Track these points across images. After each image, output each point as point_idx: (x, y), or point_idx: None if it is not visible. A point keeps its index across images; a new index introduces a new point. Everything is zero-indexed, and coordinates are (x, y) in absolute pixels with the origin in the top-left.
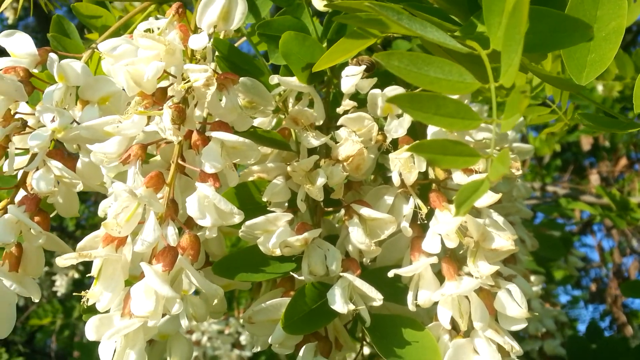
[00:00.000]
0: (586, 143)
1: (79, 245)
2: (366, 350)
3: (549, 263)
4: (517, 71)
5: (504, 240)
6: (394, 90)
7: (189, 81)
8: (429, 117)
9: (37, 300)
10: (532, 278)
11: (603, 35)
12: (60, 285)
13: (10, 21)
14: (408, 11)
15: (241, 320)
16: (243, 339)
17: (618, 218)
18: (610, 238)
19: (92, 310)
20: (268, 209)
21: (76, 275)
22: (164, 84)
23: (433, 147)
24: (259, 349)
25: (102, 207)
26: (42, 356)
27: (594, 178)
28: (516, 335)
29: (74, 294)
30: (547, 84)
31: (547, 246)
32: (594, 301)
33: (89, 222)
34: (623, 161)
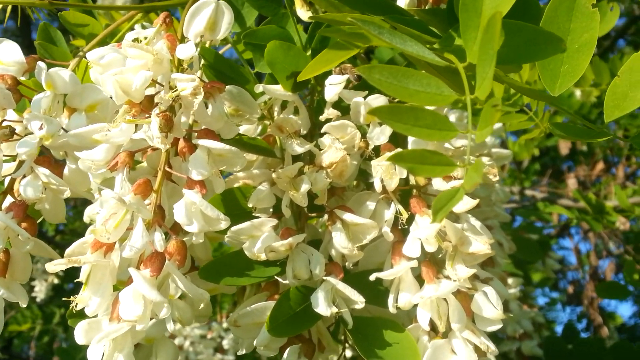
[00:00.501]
0: (564, 147)
1: (67, 251)
2: (348, 353)
3: (527, 266)
4: (491, 84)
5: (481, 245)
6: (375, 98)
7: (176, 90)
8: (409, 128)
9: (24, 306)
10: (510, 280)
11: (576, 47)
12: (40, 290)
13: None
14: (389, 23)
15: (224, 325)
16: (225, 343)
17: (594, 221)
18: (587, 241)
19: (77, 315)
20: (253, 214)
21: (56, 281)
22: (150, 91)
23: (412, 157)
24: (244, 352)
25: (88, 213)
26: None
27: (572, 182)
28: (494, 336)
29: (63, 299)
30: (523, 95)
31: (525, 249)
32: (571, 303)
33: (68, 227)
34: (600, 165)
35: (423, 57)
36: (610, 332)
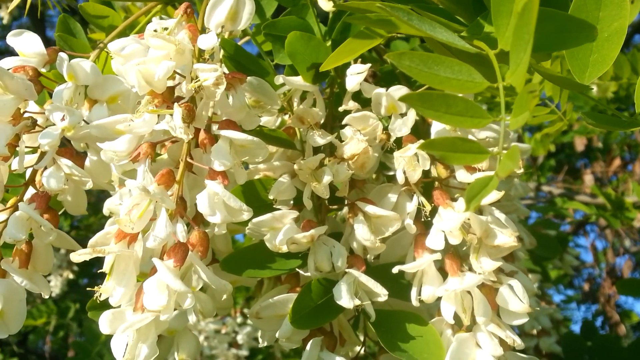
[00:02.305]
0: (580, 144)
1: (91, 241)
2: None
3: (545, 262)
4: (526, 70)
5: (507, 237)
6: (398, 90)
7: (198, 80)
8: (440, 115)
9: (47, 297)
10: (529, 277)
11: (606, 36)
12: (55, 285)
13: (5, 21)
14: (415, 11)
15: (238, 320)
16: (240, 338)
17: (612, 217)
18: (603, 239)
19: (97, 307)
20: (274, 206)
21: (71, 276)
22: (170, 83)
23: (443, 145)
24: (265, 344)
25: (107, 206)
26: (36, 357)
27: (588, 178)
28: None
29: (87, 289)
30: (551, 82)
31: (543, 245)
32: (587, 301)
33: (83, 222)
34: (617, 162)
35: (454, 44)
36: (627, 330)
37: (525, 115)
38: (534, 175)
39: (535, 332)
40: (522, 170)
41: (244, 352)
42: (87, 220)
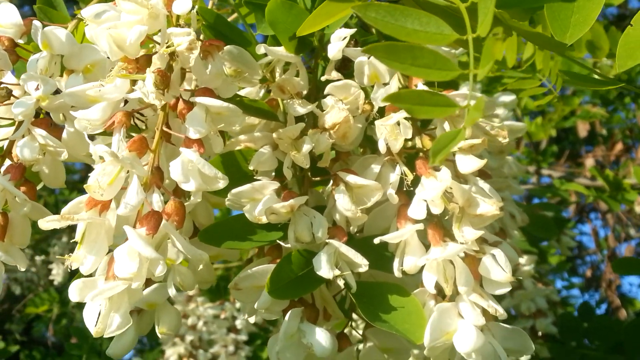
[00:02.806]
0: (583, 130)
1: (63, 210)
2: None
3: (544, 246)
4: (492, 19)
5: (489, 206)
6: None
7: (172, 45)
8: (406, 67)
9: (23, 269)
10: (525, 258)
11: None
12: (57, 274)
13: None
14: None
15: (237, 305)
16: (239, 323)
17: (611, 199)
18: (607, 227)
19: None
20: (255, 177)
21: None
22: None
23: (410, 98)
24: (246, 317)
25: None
26: (39, 345)
27: (589, 162)
28: (508, 314)
29: (58, 257)
30: (531, 42)
31: (540, 226)
32: (590, 287)
33: (68, 199)
34: (619, 146)
35: None
36: (630, 317)
37: (491, 63)
38: (535, 161)
39: (531, 313)
40: (506, 140)
41: (243, 337)
42: (72, 197)
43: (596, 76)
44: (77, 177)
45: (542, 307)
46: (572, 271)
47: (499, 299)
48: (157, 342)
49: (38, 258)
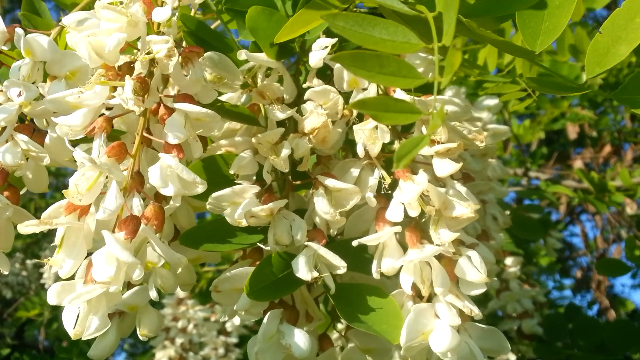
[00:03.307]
0: (572, 132)
1: (43, 214)
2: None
3: (534, 248)
4: (454, 29)
5: (464, 208)
6: None
7: (150, 52)
8: (373, 75)
9: (6, 272)
10: (510, 259)
11: (557, 4)
12: (48, 277)
13: None
14: None
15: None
16: (229, 325)
17: (597, 201)
18: (597, 229)
19: None
20: (235, 182)
21: None
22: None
23: (375, 104)
24: (226, 319)
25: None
26: (30, 348)
27: (578, 164)
28: (494, 315)
29: (37, 260)
30: (501, 50)
31: (525, 228)
32: (581, 289)
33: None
34: (607, 148)
35: (392, 6)
36: (619, 316)
37: (453, 72)
38: (526, 163)
39: (517, 314)
40: (483, 144)
41: (233, 339)
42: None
43: (564, 82)
44: (67, 181)
45: (528, 308)
46: (564, 272)
47: (485, 300)
48: (149, 346)
49: (29, 262)
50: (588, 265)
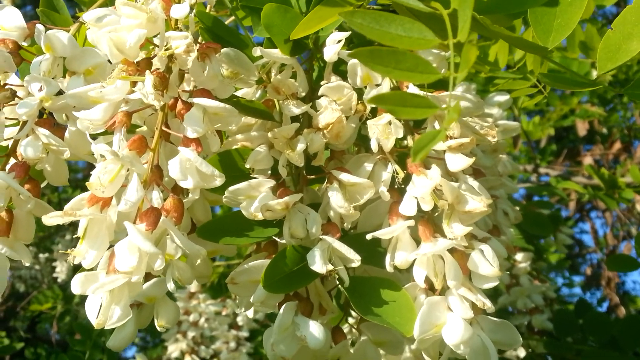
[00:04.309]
0: (582, 128)
1: (66, 207)
2: (351, 320)
3: (543, 245)
4: (469, 26)
5: (477, 203)
6: None
7: (170, 48)
8: (389, 70)
9: (27, 264)
10: (521, 255)
11: (568, 1)
12: (61, 271)
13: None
14: None
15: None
16: (240, 319)
17: (607, 197)
18: (607, 226)
19: None
20: (251, 175)
21: (77, 261)
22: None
23: (393, 99)
24: (242, 310)
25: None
26: (43, 342)
27: (588, 160)
28: (504, 311)
29: (61, 251)
30: (513, 46)
31: (535, 224)
32: (591, 286)
33: (72, 196)
34: (617, 145)
35: (407, 3)
36: (631, 314)
37: (468, 67)
38: (535, 159)
39: (527, 309)
40: (495, 139)
41: (244, 333)
42: (74, 195)
43: (576, 78)
44: (80, 176)
45: (538, 303)
46: (574, 269)
47: (495, 295)
48: (160, 339)
49: (42, 256)
50: (598, 263)
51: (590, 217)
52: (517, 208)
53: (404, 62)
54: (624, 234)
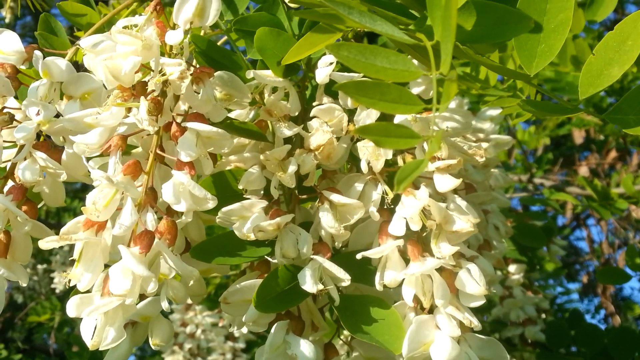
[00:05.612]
0: (578, 137)
1: (62, 230)
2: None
3: (534, 253)
4: (451, 59)
5: (464, 223)
6: None
7: (164, 74)
8: (374, 102)
9: (24, 285)
10: (514, 267)
11: (552, 27)
12: (59, 282)
13: (7, 20)
14: (367, 6)
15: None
16: (236, 331)
17: (601, 208)
18: (604, 233)
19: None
20: (244, 196)
21: None
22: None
23: (377, 130)
24: (235, 329)
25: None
26: (41, 353)
27: (583, 170)
28: (498, 322)
29: (57, 274)
30: (499, 74)
31: (529, 236)
32: (587, 294)
33: (67, 219)
34: (612, 154)
35: (392, 35)
36: (629, 322)
37: (449, 101)
38: (531, 169)
39: (520, 320)
40: (483, 159)
41: (241, 345)
42: (73, 205)
43: (558, 106)
44: (78, 185)
45: (531, 315)
46: (571, 277)
47: (489, 307)
48: (157, 350)
49: (40, 267)
50: (594, 270)
51: (587, 224)
52: (511, 220)
53: (388, 94)
54: (619, 242)
